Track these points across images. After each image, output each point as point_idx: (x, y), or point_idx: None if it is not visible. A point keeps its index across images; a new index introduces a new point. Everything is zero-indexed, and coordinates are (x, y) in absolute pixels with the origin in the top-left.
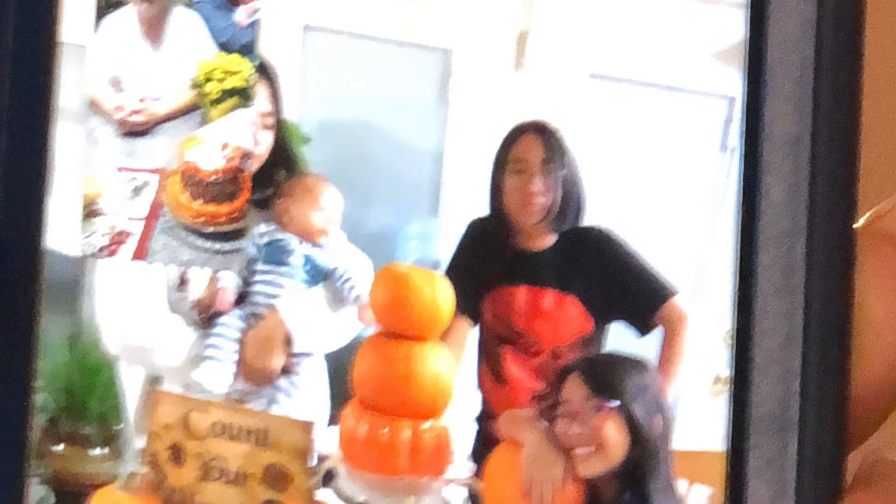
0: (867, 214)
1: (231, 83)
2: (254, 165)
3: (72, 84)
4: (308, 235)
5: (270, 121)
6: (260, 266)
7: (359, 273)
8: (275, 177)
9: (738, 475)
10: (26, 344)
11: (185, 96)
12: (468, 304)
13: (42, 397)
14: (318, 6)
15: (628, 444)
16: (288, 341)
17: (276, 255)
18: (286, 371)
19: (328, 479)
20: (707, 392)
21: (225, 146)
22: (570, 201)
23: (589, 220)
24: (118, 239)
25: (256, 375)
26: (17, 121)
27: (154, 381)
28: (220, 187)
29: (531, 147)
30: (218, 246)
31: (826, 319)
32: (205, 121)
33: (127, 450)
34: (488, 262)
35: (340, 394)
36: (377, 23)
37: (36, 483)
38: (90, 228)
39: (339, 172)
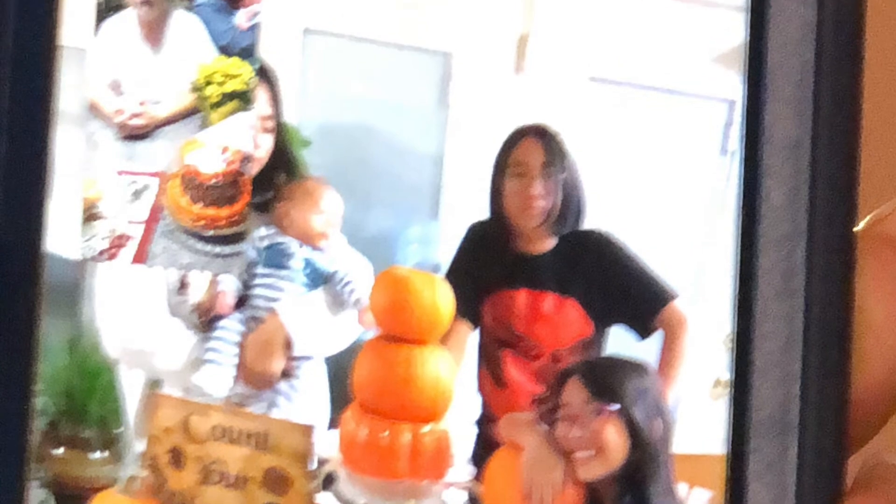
0: (867, 218)
1: (231, 86)
2: (254, 169)
3: (72, 88)
4: (308, 239)
5: (270, 124)
6: (260, 269)
7: (359, 276)
8: (275, 180)
9: (739, 479)
10: (26, 347)
11: (186, 100)
12: (468, 308)
13: (42, 401)
14: (318, 9)
15: (628, 447)
16: (288, 345)
17: (276, 258)
18: (286, 374)
19: (328, 482)
20: (707, 395)
21: (225, 149)
22: (570, 205)
23: (589, 223)
24: (118, 242)
25: (256, 379)
26: (17, 124)
27: (154, 384)
28: (221, 191)
29: (531, 150)
30: (218, 249)
31: (826, 323)
32: (205, 124)
33: (127, 453)
34: (488, 266)
35: (340, 397)
36: (377, 26)
37: (36, 487)
38: (90, 232)
39: (340, 176)
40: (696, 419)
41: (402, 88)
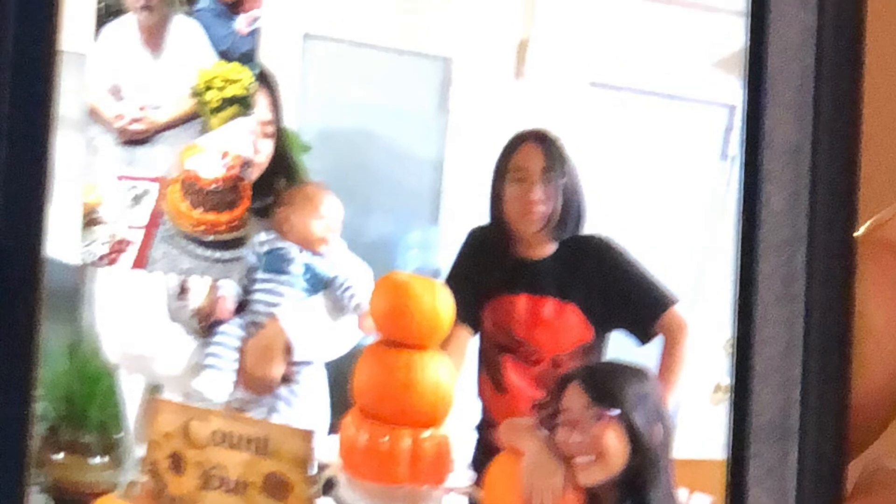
0: (868, 223)
1: (231, 92)
2: (254, 174)
3: (72, 92)
4: (308, 244)
5: (270, 129)
6: (260, 275)
7: (359, 281)
8: (275, 185)
9: (739, 484)
10: (26, 352)
11: (186, 105)
12: (468, 313)
13: (42, 406)
14: (319, 15)
15: (629, 452)
16: (288, 350)
17: (276, 263)
18: (286, 380)
19: (328, 487)
20: (708, 401)
21: (225, 155)
22: (570, 210)
23: (589, 228)
24: (118, 247)
25: (256, 384)
26: (17, 129)
27: (154, 389)
28: (221, 196)
29: (531, 155)
30: (218, 254)
31: (827, 328)
32: (205, 129)
33: (127, 458)
34: (488, 271)
35: (340, 402)
36: (377, 31)
37: (36, 492)
38: (90, 237)
39: (340, 181)
40: (697, 424)
41: (402, 93)
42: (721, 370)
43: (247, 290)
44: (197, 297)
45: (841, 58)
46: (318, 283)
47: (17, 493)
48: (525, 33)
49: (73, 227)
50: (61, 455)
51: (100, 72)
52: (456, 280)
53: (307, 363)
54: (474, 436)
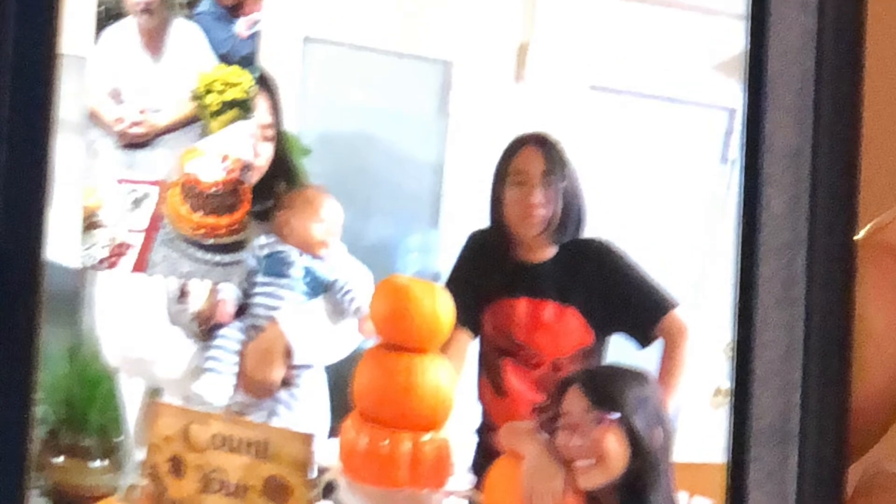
0: (868, 226)
1: (231, 95)
2: (254, 177)
3: (72, 96)
4: (308, 247)
5: (270, 132)
6: (260, 278)
7: (359, 285)
8: (275, 188)
9: (739, 487)
10: (26, 356)
11: (186, 108)
12: (468, 316)
13: (42, 409)
14: (319, 18)
15: (629, 456)
16: (288, 353)
17: (276, 267)
18: (286, 383)
19: (328, 491)
20: (708, 404)
21: (225, 158)
22: (570, 213)
23: (589, 231)
24: (118, 251)
25: (256, 387)
26: (17, 132)
27: (154, 393)
28: (220, 199)
29: (532, 159)
30: (218, 258)
31: (827, 331)
32: (205, 132)
33: (127, 462)
34: (489, 274)
35: (341, 406)
36: (377, 34)
37: (36, 495)
38: (90, 240)
39: (340, 184)
40: (697, 428)
41: (403, 97)
42: (721, 374)
43: (247, 294)
44: (197, 301)
45: (841, 61)
46: (319, 287)
47: (17, 497)
48: (525, 36)
49: (74, 231)
50: (61, 458)
51: (100, 75)
52: (456, 283)
53: (307, 367)
54: (474, 439)
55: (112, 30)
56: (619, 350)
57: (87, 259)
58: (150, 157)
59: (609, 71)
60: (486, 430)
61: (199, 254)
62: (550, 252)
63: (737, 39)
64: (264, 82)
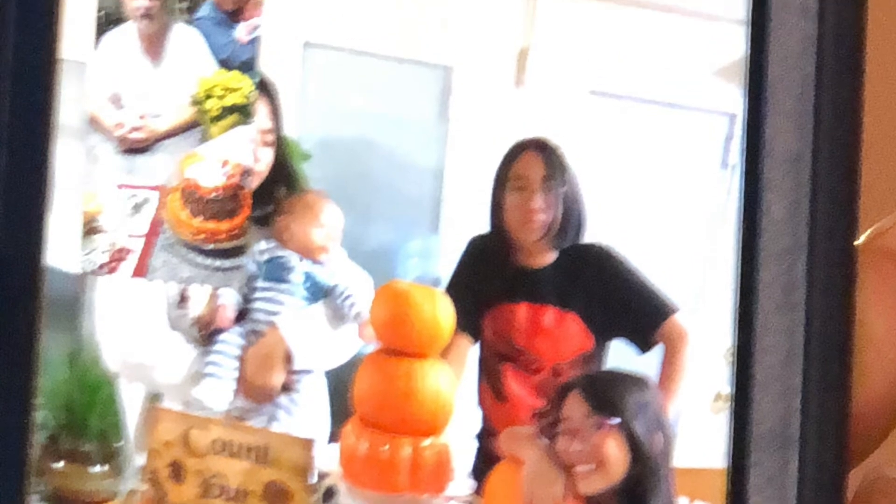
0: (868, 231)
1: (231, 100)
2: (254, 182)
3: (72, 101)
4: (308, 252)
5: (270, 138)
6: (260, 283)
7: (359, 290)
8: (275, 194)
9: (739, 493)
10: (26, 361)
11: (186, 113)
12: (469, 322)
13: (42, 415)
14: (319, 23)
15: (629, 461)
16: (288, 358)
17: (276, 272)
18: (286, 388)
19: (328, 496)
20: (708, 409)
21: (225, 163)
22: (570, 218)
23: (590, 237)
24: (118, 256)
25: (257, 393)
26: (17, 138)
27: (154, 398)
28: (221, 204)
29: (532, 164)
30: (218, 263)
31: (827, 337)
32: (205, 138)
33: (127, 467)
34: (489, 280)
35: (341, 411)
36: (377, 40)
37: (36, 500)
38: (90, 245)
39: (340, 189)
40: (697, 433)
41: (403, 102)
42: (721, 379)
43: (247, 299)
44: (197, 306)
45: (841, 66)
46: (319, 292)
47: (17, 502)
48: (525, 41)
49: (74, 236)
50: (61, 464)
51: (100, 80)
52: (456, 289)
53: (307, 372)
54: (474, 444)
55: (112, 35)
56: (620, 355)
57: (88, 264)
58: (150, 162)
59: (609, 76)
60: (486, 436)
61: (199, 259)
62: (551, 257)
63: (737, 45)
64: (264, 87)
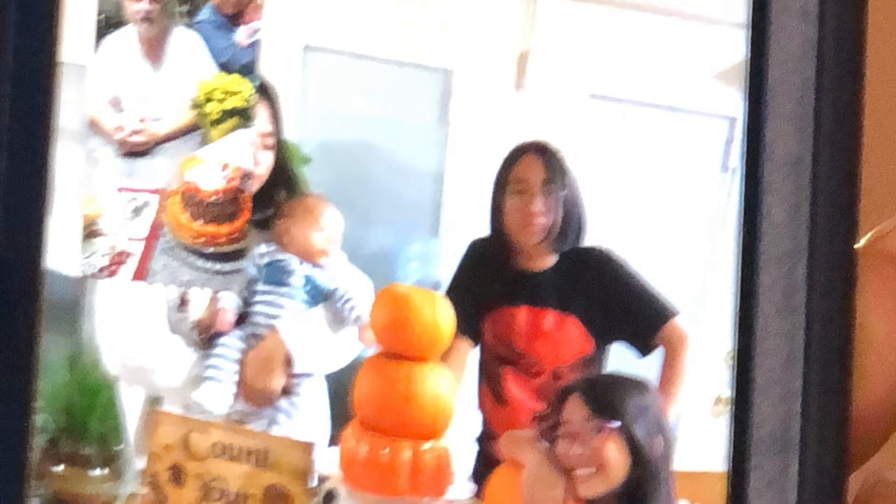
0: (868, 235)
1: (231, 103)
2: (254, 186)
3: (72, 104)
4: (308, 256)
5: (271, 141)
6: (260, 286)
7: (359, 293)
8: (275, 197)
9: (740, 496)
10: (26, 364)
11: (186, 116)
12: (469, 325)
13: (42, 418)
14: (319, 26)
15: (629, 464)
16: (288, 362)
17: (276, 275)
18: (286, 392)
19: (329, 500)
20: (708, 413)
21: (225, 166)
22: (570, 222)
23: (590, 240)
24: (118, 259)
25: (257, 396)
26: (17, 141)
27: (154, 401)
28: (221, 207)
29: (532, 167)
30: (218, 266)
31: (827, 340)
32: (205, 141)
33: (127, 470)
34: (489, 283)
35: (341, 414)
36: (377, 43)
37: None
38: (90, 249)
39: (340, 193)
40: (697, 436)
41: (403, 105)
42: (722, 382)
43: (247, 302)
44: (197, 309)
45: (842, 69)
46: (319, 295)
47: None
48: (525, 45)
49: (74, 239)
50: (61, 467)
51: (100, 83)
52: (456, 292)
53: (307, 375)
54: (475, 448)
55: (112, 38)
56: (620, 359)
57: (88, 267)
58: (151, 165)
59: (609, 79)
60: (486, 439)
61: (200, 262)
62: (551, 261)
63: (737, 48)
64: (264, 91)
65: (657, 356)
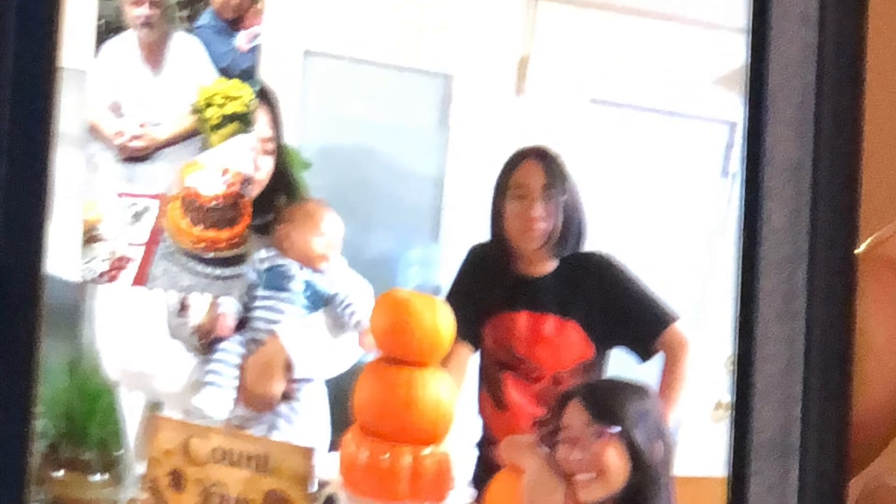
0: (868, 240)
1: (231, 108)
2: (254, 191)
3: (72, 109)
4: (309, 261)
5: (271, 146)
6: (260, 292)
7: (359, 299)
8: (275, 202)
9: (740, 501)
10: (26, 369)
11: (186, 121)
12: (469, 330)
13: (42, 423)
14: (319, 31)
15: (629, 470)
16: (288, 367)
17: (276, 280)
18: (287, 397)
19: None
20: (708, 418)
21: (225, 171)
22: (570, 227)
23: (590, 245)
24: (118, 264)
25: (257, 401)
26: (17, 146)
27: (154, 406)
28: (221, 213)
29: (532, 172)
30: (218, 271)
31: (827, 345)
32: (205, 146)
33: (127, 476)
34: (489, 288)
35: (341, 419)
36: (378, 48)
37: None
38: (90, 254)
39: (340, 198)
40: (698, 441)
41: (403, 110)
42: (722, 387)
43: (247, 308)
44: (197, 314)
45: (842, 75)
46: (319, 301)
47: None
48: (526, 50)
49: (74, 244)
50: (61, 472)
51: (100, 88)
52: (456, 297)
53: (308, 380)
54: (475, 453)
55: (112, 43)
56: (620, 364)
57: (88, 272)
58: (151, 170)
59: (609, 84)
60: (486, 444)
61: (200, 267)
62: (551, 266)
63: (738, 53)
64: (264, 96)
65: (657, 361)
